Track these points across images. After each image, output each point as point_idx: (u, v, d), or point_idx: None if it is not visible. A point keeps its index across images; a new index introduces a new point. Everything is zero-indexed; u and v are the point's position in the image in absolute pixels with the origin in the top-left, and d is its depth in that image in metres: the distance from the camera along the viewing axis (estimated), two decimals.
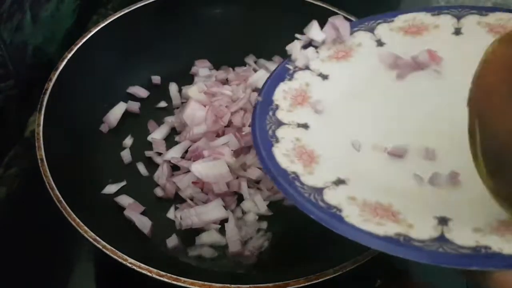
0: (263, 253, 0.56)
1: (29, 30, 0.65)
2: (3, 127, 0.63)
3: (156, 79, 0.71)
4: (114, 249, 0.46)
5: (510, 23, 0.49)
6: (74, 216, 0.47)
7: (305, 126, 0.47)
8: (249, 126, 0.63)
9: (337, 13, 0.68)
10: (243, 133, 0.62)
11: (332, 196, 0.40)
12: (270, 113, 0.47)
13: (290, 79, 0.50)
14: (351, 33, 0.53)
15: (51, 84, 0.57)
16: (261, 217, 0.59)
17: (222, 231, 0.56)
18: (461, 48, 0.50)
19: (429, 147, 0.45)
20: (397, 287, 0.54)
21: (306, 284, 0.45)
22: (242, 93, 0.66)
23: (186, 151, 0.62)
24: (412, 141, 0.46)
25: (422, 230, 0.37)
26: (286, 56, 0.53)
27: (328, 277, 0.46)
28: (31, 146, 0.53)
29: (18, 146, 0.66)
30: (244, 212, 0.59)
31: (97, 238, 0.46)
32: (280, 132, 0.46)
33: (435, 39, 0.51)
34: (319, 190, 0.41)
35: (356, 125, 0.48)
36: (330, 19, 0.53)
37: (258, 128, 0.46)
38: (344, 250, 0.53)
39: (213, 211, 0.57)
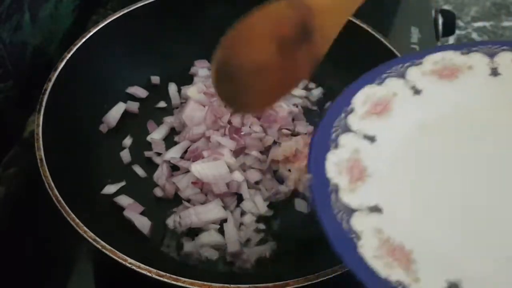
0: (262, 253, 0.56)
1: (28, 30, 0.65)
2: (2, 127, 0.63)
3: (155, 79, 0.71)
4: (113, 249, 0.46)
5: None
6: (74, 216, 0.47)
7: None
8: (249, 127, 0.63)
9: None
10: (242, 133, 0.62)
11: (360, 222, 0.39)
12: (332, 197, 0.41)
13: (336, 147, 0.45)
14: (381, 81, 0.49)
15: (50, 84, 0.57)
16: (261, 218, 0.59)
17: (221, 231, 0.56)
18: (501, 90, 0.47)
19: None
20: None
21: (306, 284, 0.45)
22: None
23: (186, 151, 0.63)
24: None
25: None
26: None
27: (328, 277, 0.46)
28: (30, 146, 0.53)
29: (18, 146, 0.66)
30: (243, 213, 0.59)
31: (97, 238, 0.46)
32: (356, 224, 0.41)
33: (472, 82, 0.48)
34: (350, 211, 0.40)
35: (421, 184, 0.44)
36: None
37: (326, 219, 0.40)
38: None
39: (212, 211, 0.57)
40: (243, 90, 0.46)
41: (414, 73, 0.49)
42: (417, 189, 0.43)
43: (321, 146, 0.44)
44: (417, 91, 0.48)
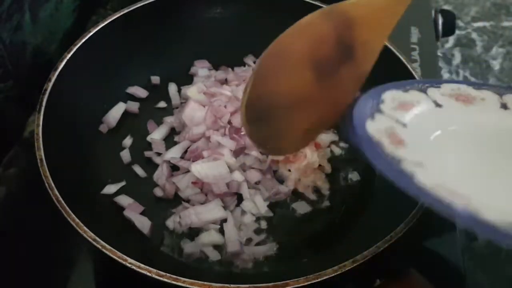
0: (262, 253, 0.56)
1: (29, 30, 0.65)
2: (2, 127, 0.63)
3: (155, 79, 0.71)
4: (113, 249, 0.46)
5: None
6: (74, 216, 0.47)
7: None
8: None
9: None
10: (242, 133, 0.62)
11: (409, 167, 0.40)
12: (378, 148, 0.43)
13: (372, 119, 0.46)
14: (406, 90, 0.52)
15: (51, 84, 0.57)
16: (261, 218, 0.59)
17: (222, 231, 0.56)
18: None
19: None
20: (396, 287, 0.54)
21: (306, 284, 0.45)
22: (242, 94, 0.66)
23: (186, 151, 0.63)
24: None
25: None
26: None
27: (328, 277, 0.46)
28: (30, 146, 0.53)
29: (18, 146, 0.66)
30: (243, 212, 0.59)
31: (97, 238, 0.46)
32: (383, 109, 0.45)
33: (485, 109, 0.53)
34: (398, 161, 0.40)
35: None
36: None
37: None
38: (343, 250, 0.53)
39: (212, 211, 0.57)
40: (279, 129, 0.40)
41: (433, 92, 0.53)
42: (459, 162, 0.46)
43: (360, 115, 0.45)
44: (438, 105, 0.51)
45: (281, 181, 0.61)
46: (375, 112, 0.46)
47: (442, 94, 0.53)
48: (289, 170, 0.61)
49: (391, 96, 0.50)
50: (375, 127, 0.44)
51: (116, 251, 0.46)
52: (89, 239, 0.46)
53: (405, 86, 0.52)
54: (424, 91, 0.52)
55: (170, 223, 0.57)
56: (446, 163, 0.45)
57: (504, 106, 0.53)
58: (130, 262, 0.45)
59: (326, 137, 0.65)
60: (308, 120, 0.41)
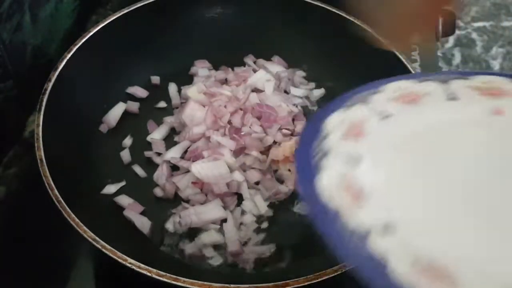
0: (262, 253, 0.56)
1: (29, 30, 0.65)
2: (2, 127, 0.63)
3: (155, 79, 0.71)
4: (113, 249, 0.46)
5: None
6: (74, 216, 0.47)
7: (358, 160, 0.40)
8: (250, 127, 0.63)
9: (336, 13, 0.68)
10: (242, 133, 0.62)
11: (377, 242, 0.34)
12: (321, 138, 0.41)
13: (346, 109, 0.44)
14: (421, 81, 0.47)
15: (51, 84, 0.57)
16: (261, 218, 0.59)
17: (222, 231, 0.56)
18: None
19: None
20: None
21: (306, 284, 0.45)
22: (242, 94, 0.66)
23: (186, 151, 0.63)
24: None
25: None
26: (285, 56, 0.53)
27: (328, 277, 0.46)
28: (30, 147, 0.53)
29: (18, 146, 0.66)
30: (243, 212, 0.59)
31: (97, 238, 0.46)
32: (327, 162, 0.39)
33: (430, 107, 0.45)
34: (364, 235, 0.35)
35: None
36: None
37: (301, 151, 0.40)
38: None
39: (212, 211, 0.57)
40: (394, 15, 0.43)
41: (377, 100, 0.46)
42: (424, 193, 0.39)
43: (333, 105, 0.43)
44: (453, 98, 0.46)
45: (281, 181, 0.61)
46: (322, 154, 0.41)
47: (387, 99, 0.45)
48: (289, 170, 0.61)
49: (335, 120, 0.43)
50: (327, 180, 0.38)
51: (116, 251, 0.46)
52: (89, 239, 0.46)
53: (345, 101, 0.44)
54: (365, 102, 0.45)
55: (170, 225, 0.57)
56: (417, 205, 0.37)
57: (452, 97, 0.45)
58: (130, 262, 0.45)
59: None
60: (414, 13, 0.44)
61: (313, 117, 0.44)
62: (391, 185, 0.39)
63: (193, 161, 0.59)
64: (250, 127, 0.63)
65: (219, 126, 0.63)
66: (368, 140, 0.41)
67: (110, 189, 0.59)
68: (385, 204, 0.37)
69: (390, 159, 0.41)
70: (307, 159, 0.41)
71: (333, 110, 0.44)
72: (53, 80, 0.58)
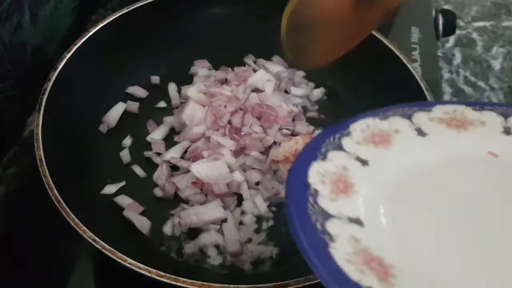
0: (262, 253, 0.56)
1: (28, 30, 0.65)
2: (2, 127, 0.63)
3: (155, 79, 0.71)
4: (113, 249, 0.46)
5: None
6: (73, 216, 0.47)
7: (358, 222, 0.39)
8: (250, 127, 0.63)
9: None
10: (242, 133, 0.62)
11: (336, 227, 0.35)
12: (310, 199, 0.39)
13: (323, 159, 0.43)
14: (385, 117, 0.47)
15: (50, 84, 0.57)
16: (261, 218, 0.59)
17: (222, 231, 0.56)
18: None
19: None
20: None
21: (306, 284, 0.45)
22: (242, 94, 0.66)
23: (186, 151, 0.62)
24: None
25: None
26: (285, 56, 0.53)
27: None
28: (30, 146, 0.53)
29: (17, 146, 0.66)
30: (243, 213, 0.58)
31: (96, 238, 0.46)
32: (331, 228, 0.37)
33: (484, 136, 0.46)
34: (327, 216, 0.37)
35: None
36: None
37: (298, 218, 0.37)
38: None
39: (212, 211, 0.57)
40: (312, 42, 0.46)
41: (421, 117, 0.47)
42: (409, 219, 0.40)
43: (308, 155, 0.42)
44: (422, 133, 0.46)
45: (281, 181, 0.61)
46: (332, 149, 0.42)
47: (430, 118, 0.47)
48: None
49: (363, 126, 0.45)
50: (322, 170, 0.40)
51: (116, 251, 0.45)
52: (89, 239, 0.46)
53: (318, 149, 0.44)
54: (408, 117, 0.46)
55: (168, 228, 0.57)
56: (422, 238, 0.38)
57: (507, 131, 0.45)
58: (130, 262, 0.45)
59: None
60: (338, 35, 0.47)
61: (293, 170, 0.42)
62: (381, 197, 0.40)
63: (193, 161, 0.59)
64: (250, 127, 0.63)
65: (219, 126, 0.63)
66: (359, 196, 0.41)
67: (110, 189, 0.59)
68: (366, 208, 0.39)
69: (391, 216, 0.40)
70: (316, 146, 0.42)
71: (310, 160, 0.43)
72: (52, 80, 0.58)
